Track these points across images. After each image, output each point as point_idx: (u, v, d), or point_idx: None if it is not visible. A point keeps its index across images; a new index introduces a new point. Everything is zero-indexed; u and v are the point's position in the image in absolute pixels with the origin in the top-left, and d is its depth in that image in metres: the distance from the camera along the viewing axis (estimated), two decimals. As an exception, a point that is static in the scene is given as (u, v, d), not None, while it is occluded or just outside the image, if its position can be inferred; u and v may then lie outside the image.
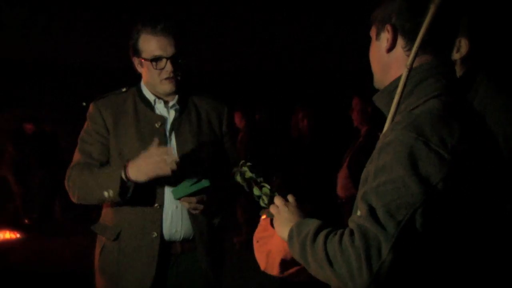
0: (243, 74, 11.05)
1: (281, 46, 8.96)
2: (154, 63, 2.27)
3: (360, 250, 1.22)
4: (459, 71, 1.93)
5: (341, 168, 4.29)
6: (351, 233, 1.27)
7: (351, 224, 1.29)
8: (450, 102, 1.33)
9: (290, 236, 1.44)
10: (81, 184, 2.29)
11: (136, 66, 2.38)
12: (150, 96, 2.39)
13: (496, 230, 1.37)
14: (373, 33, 1.47)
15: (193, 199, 2.23)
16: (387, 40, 1.40)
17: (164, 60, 2.27)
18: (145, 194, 2.29)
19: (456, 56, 1.91)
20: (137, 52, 2.32)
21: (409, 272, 1.25)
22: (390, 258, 1.20)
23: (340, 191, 4.29)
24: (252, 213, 6.50)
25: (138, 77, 2.45)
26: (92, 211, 7.75)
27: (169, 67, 2.27)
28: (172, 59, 2.27)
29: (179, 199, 2.24)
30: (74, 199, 2.36)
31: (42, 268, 5.57)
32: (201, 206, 2.26)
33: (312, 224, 1.41)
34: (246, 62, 10.07)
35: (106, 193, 2.21)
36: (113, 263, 2.36)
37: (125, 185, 2.19)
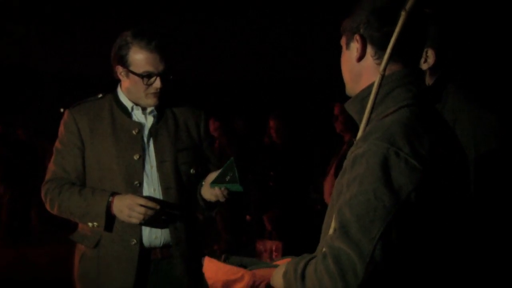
0: (219, 82, 11.08)
1: (260, 54, 9.00)
2: (145, 79, 2.27)
3: (335, 275, 1.22)
4: (428, 80, 1.98)
5: (327, 175, 4.32)
6: (324, 257, 1.27)
7: (325, 246, 1.29)
8: (420, 111, 1.35)
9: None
10: (63, 207, 2.31)
11: (118, 74, 2.35)
12: (128, 103, 2.38)
13: (468, 235, 1.39)
14: (343, 42, 1.49)
15: (220, 194, 2.28)
16: (357, 49, 1.42)
17: (154, 77, 2.28)
18: None
19: (424, 66, 1.96)
20: (124, 63, 2.30)
21: (390, 284, 1.25)
22: (368, 277, 1.20)
23: (327, 198, 4.30)
24: (231, 220, 6.51)
25: (116, 84, 2.43)
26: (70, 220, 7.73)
27: (158, 83, 2.28)
28: (162, 76, 2.29)
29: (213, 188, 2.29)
30: (53, 212, 2.38)
31: (19, 277, 5.48)
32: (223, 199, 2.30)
33: (291, 265, 1.40)
34: (223, 71, 10.10)
35: (90, 224, 2.28)
36: (93, 271, 2.35)
37: (109, 218, 2.25)
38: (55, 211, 2.36)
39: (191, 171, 2.43)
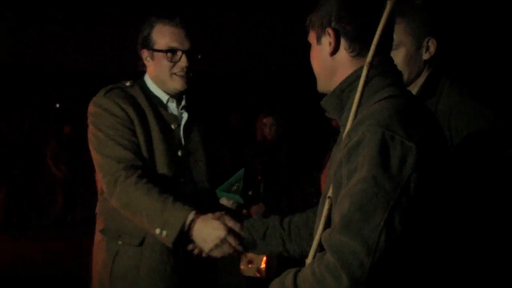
0: (217, 77, 11.06)
1: (255, 48, 8.98)
2: (169, 55, 2.12)
3: (339, 271, 1.17)
4: (424, 73, 1.98)
5: (324, 169, 4.33)
6: (322, 256, 1.23)
7: (324, 243, 1.25)
8: (404, 99, 1.34)
9: None
10: (133, 204, 2.01)
11: (144, 60, 2.21)
12: (162, 95, 2.21)
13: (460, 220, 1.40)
14: (312, 38, 1.47)
15: (226, 202, 2.13)
16: (330, 44, 1.40)
17: (179, 53, 2.13)
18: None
19: (425, 56, 1.94)
20: (148, 44, 2.16)
21: (397, 273, 1.22)
22: (375, 268, 1.16)
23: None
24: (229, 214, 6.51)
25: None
26: (67, 215, 7.73)
27: (184, 61, 2.12)
28: (188, 53, 2.13)
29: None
30: (115, 205, 2.07)
31: (15, 273, 5.48)
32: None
33: (276, 284, 1.38)
34: (219, 65, 10.09)
35: (158, 231, 1.96)
36: (134, 271, 2.13)
37: (182, 235, 1.93)
38: (119, 205, 2.06)
39: (217, 169, 2.31)
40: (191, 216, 1.93)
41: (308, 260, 1.35)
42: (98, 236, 2.24)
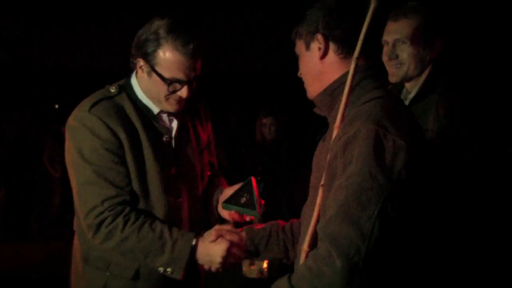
0: (214, 76, 11.05)
1: (255, 48, 8.97)
2: (171, 86, 1.90)
3: (334, 260, 1.26)
4: (426, 71, 2.00)
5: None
6: (315, 253, 1.32)
7: (319, 233, 1.34)
8: (391, 101, 1.45)
9: None
10: (126, 244, 1.88)
11: (138, 66, 1.96)
12: (153, 107, 2.00)
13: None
14: (300, 47, 1.58)
15: (235, 216, 2.05)
16: (319, 48, 1.51)
17: (181, 85, 1.91)
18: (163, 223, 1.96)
19: (431, 54, 1.98)
20: (149, 60, 1.90)
21: (390, 260, 1.32)
22: (370, 254, 1.25)
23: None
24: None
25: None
26: (65, 215, 7.71)
27: (184, 92, 1.92)
28: (190, 83, 1.93)
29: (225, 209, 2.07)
30: (103, 245, 1.91)
31: (14, 273, 5.48)
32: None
33: (278, 284, 1.42)
34: (218, 64, 10.09)
35: (161, 269, 1.89)
36: None
37: (189, 265, 1.89)
38: (105, 248, 1.92)
39: (207, 173, 2.23)
40: (193, 242, 1.89)
41: (304, 247, 1.43)
42: (78, 265, 2.07)
